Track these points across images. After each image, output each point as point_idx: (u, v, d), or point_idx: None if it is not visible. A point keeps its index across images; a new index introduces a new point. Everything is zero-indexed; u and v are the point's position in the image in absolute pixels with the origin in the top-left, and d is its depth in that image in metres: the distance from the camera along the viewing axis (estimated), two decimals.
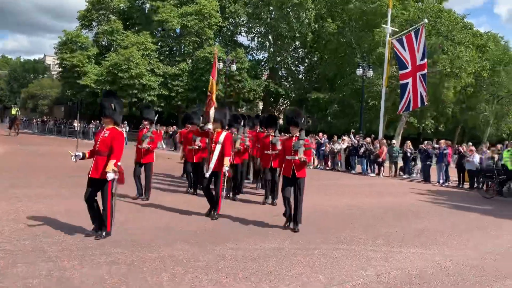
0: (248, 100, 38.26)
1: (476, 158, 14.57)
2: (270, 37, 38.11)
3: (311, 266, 4.92)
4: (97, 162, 5.46)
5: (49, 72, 74.46)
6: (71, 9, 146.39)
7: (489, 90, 36.53)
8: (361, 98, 26.82)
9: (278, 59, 38.46)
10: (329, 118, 36.31)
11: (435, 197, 12.19)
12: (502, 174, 12.45)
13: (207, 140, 7.51)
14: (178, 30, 36.00)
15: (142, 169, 8.59)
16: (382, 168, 17.63)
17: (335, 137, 20.08)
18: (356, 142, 18.48)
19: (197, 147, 9.23)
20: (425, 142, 17.58)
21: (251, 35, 38.72)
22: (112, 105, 5.66)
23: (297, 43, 38.79)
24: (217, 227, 6.54)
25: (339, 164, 19.19)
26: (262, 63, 40.19)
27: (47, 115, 52.55)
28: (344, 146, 18.99)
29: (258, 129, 10.51)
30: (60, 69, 39.18)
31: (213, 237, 5.94)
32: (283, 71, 40.90)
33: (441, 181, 15.73)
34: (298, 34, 35.47)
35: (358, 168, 18.41)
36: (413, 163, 18.03)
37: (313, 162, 19.47)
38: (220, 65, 29.27)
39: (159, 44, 36.26)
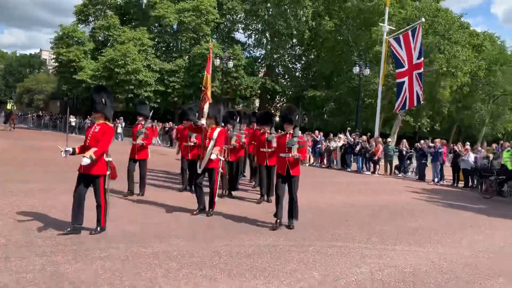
0: (244, 97, 38.24)
1: (471, 157, 14.64)
2: (267, 34, 38.07)
3: (305, 263, 4.93)
4: None
5: (45, 67, 74.00)
6: (68, 4, 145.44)
7: (485, 90, 36.74)
8: (357, 96, 26.88)
9: (275, 56, 38.43)
10: (325, 116, 36.35)
11: (429, 195, 12.24)
12: (502, 174, 12.44)
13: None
14: (175, 26, 35.93)
15: (137, 165, 8.55)
16: (377, 166, 17.68)
17: (331, 135, 20.11)
18: (352, 140, 18.52)
19: (192, 144, 9.18)
20: (421, 141, 17.65)
21: (248, 32, 38.77)
22: (103, 100, 5.60)
23: (294, 40, 38.79)
24: (211, 224, 6.54)
25: (335, 162, 19.23)
26: (259, 60, 40.19)
27: (43, 110, 52.32)
28: (340, 144, 19.02)
29: (255, 127, 10.47)
30: (56, 64, 38.95)
31: (208, 233, 5.94)
32: (280, 69, 40.91)
33: (436, 179, 15.81)
34: (295, 32, 35.47)
35: (354, 166, 18.47)
36: (408, 161, 18.10)
37: (309, 160, 19.51)
38: (217, 61, 29.23)
39: (156, 40, 36.14)
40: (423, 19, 22.37)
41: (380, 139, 18.52)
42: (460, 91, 33.81)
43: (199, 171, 7.02)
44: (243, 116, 10.83)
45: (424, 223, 7.89)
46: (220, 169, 7.30)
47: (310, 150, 19.49)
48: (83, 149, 5.55)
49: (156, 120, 28.66)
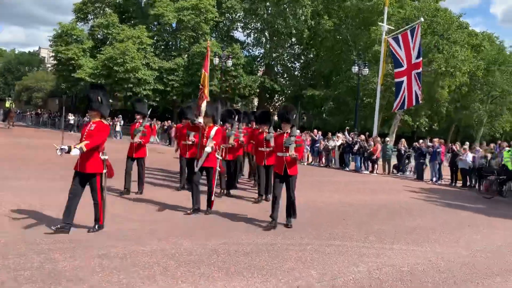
0: (243, 96, 38.21)
1: (469, 156, 14.65)
2: (266, 33, 38.04)
3: (303, 261, 4.94)
4: (83, 156, 5.37)
5: (44, 65, 73.83)
6: (67, 2, 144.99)
7: (483, 90, 36.77)
8: (356, 96, 26.90)
9: (274, 55, 38.40)
10: (324, 115, 36.38)
11: (428, 195, 12.25)
12: (502, 174, 12.39)
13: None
14: (174, 25, 35.85)
15: (134, 163, 8.55)
16: (376, 166, 17.69)
17: (330, 134, 20.11)
18: (351, 139, 18.53)
19: (190, 143, 9.16)
20: (420, 140, 17.66)
21: (247, 31, 38.69)
22: (99, 98, 5.59)
23: (293, 39, 38.76)
24: (210, 222, 6.55)
25: (333, 161, 19.23)
26: (258, 59, 40.14)
27: (41, 108, 52.23)
28: (339, 143, 19.02)
29: (254, 126, 10.44)
30: (55, 62, 38.88)
31: (206, 231, 5.94)
32: (278, 68, 40.86)
33: (434, 179, 15.82)
34: (294, 31, 35.45)
35: (352, 165, 18.46)
36: (406, 161, 18.11)
37: (307, 159, 19.53)
38: (216, 60, 29.20)
39: (155, 38, 36.08)
40: (422, 19, 22.38)
41: (378, 139, 18.52)
42: (459, 91, 33.84)
43: (196, 169, 7.00)
44: (242, 115, 10.80)
45: (422, 222, 7.90)
46: (218, 167, 7.29)
47: (309, 149, 19.51)
48: None
49: (155, 119, 28.66)
